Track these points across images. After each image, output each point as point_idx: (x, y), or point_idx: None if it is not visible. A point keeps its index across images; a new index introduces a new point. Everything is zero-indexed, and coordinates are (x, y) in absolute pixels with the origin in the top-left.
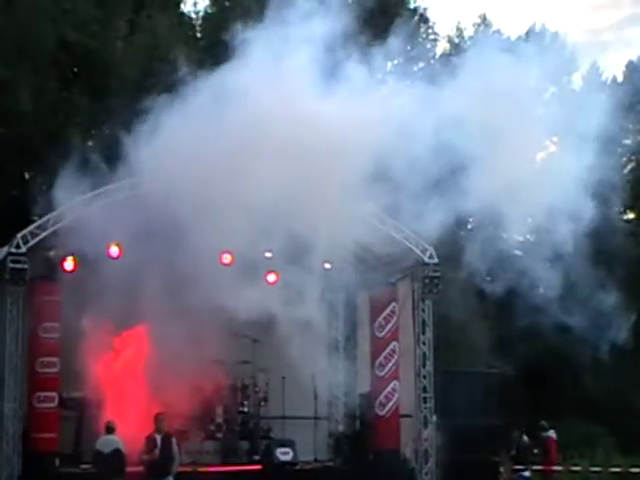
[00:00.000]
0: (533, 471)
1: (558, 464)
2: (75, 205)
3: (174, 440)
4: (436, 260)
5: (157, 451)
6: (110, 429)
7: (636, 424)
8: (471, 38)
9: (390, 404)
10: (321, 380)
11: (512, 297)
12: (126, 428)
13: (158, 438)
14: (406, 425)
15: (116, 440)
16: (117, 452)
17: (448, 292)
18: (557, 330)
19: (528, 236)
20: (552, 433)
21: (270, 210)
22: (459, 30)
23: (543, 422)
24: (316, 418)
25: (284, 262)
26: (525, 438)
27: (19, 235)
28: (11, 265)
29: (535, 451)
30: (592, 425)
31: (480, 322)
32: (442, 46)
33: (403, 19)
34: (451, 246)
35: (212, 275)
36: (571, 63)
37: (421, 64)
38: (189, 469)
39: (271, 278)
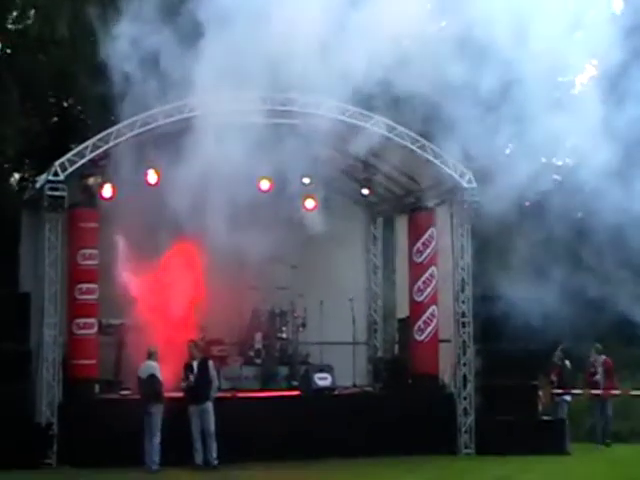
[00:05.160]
0: (574, 395)
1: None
2: (113, 132)
3: (211, 364)
4: (475, 185)
5: (192, 377)
6: (150, 354)
7: None
8: None
9: (429, 329)
10: (359, 305)
11: (552, 221)
12: (166, 353)
13: (195, 364)
14: (445, 350)
15: (153, 365)
16: (152, 377)
17: (486, 216)
18: (598, 253)
19: (568, 160)
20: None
21: None
22: None
23: (597, 344)
24: (355, 343)
25: (322, 187)
26: (567, 363)
27: (57, 163)
28: (49, 193)
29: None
30: (634, 348)
31: (519, 246)
32: None
33: None
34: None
35: (251, 201)
36: None
37: None
38: (228, 395)
39: (309, 204)
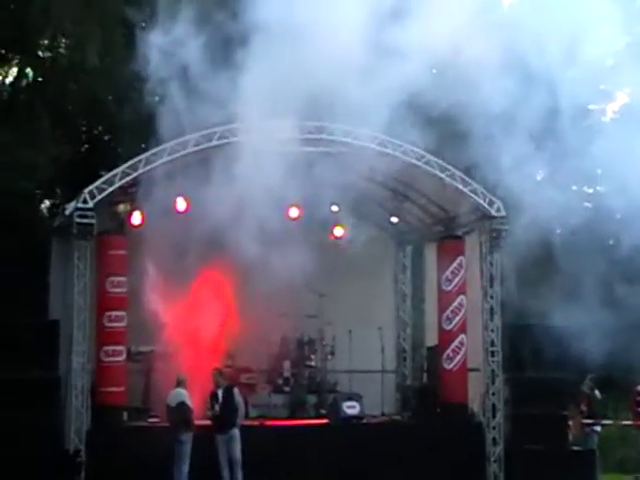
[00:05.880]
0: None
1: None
2: (142, 159)
3: (236, 391)
4: (504, 213)
5: (217, 406)
6: (179, 382)
7: None
8: None
9: (457, 358)
10: (388, 333)
11: (583, 248)
12: (195, 381)
13: (220, 392)
14: (474, 379)
15: (183, 393)
16: (182, 405)
17: (516, 245)
18: (630, 281)
19: (599, 188)
20: None
21: None
22: None
23: None
24: (383, 372)
25: (351, 215)
26: (597, 393)
27: (86, 190)
28: (78, 220)
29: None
30: None
31: (550, 274)
32: None
33: None
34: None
35: (280, 229)
36: None
37: None
38: (256, 423)
39: (338, 232)
